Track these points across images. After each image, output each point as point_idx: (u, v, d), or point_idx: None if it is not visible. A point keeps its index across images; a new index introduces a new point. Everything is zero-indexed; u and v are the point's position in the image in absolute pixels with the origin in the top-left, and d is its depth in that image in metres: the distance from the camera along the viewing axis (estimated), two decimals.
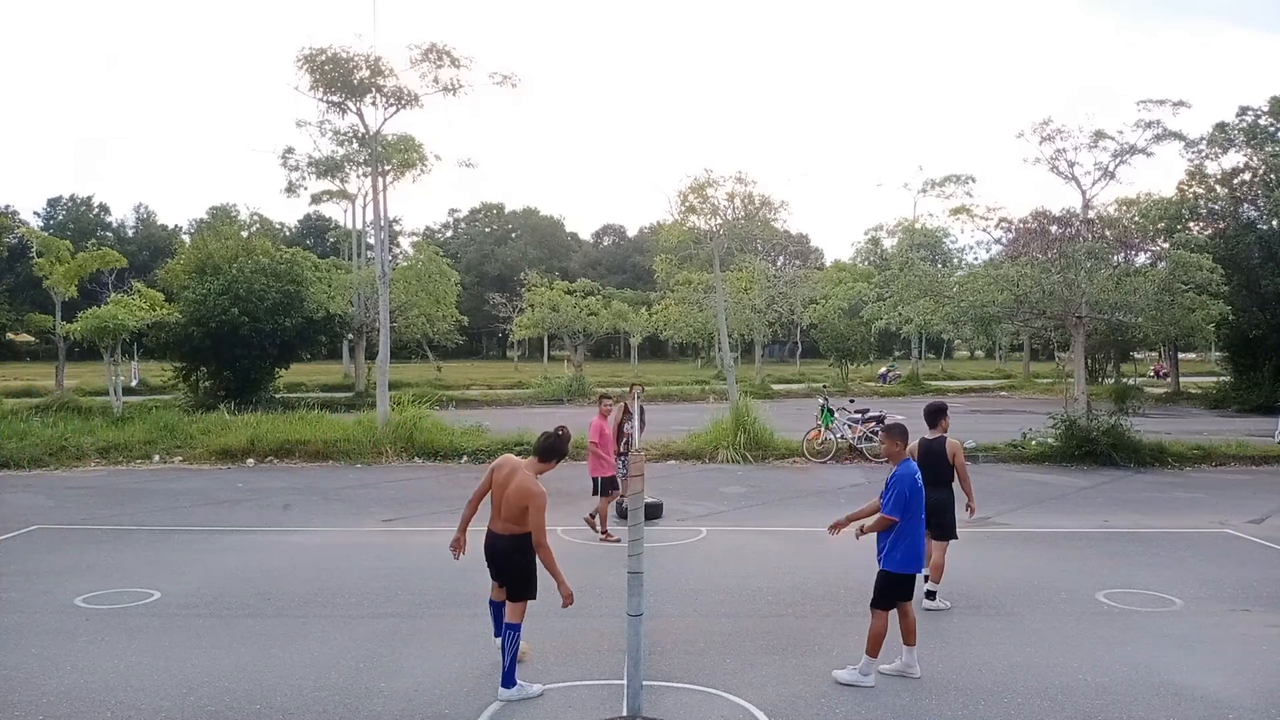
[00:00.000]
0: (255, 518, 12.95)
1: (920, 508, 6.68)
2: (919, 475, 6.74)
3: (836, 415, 18.81)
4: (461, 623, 7.90)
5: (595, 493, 11.70)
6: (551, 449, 6.43)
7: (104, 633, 7.67)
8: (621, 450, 12.91)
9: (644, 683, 5.92)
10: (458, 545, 6.64)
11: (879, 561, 6.78)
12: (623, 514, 10.80)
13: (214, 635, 7.61)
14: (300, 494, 14.82)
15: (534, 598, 6.43)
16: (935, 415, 8.53)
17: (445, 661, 7.00)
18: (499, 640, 6.57)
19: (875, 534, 6.81)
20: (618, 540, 11.23)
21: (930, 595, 8.39)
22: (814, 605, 8.53)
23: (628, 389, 13.97)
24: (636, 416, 10.66)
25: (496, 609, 6.73)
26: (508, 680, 6.27)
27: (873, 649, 6.58)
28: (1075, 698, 6.32)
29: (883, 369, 48.68)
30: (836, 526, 7.05)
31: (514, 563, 6.34)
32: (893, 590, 6.67)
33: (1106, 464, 17.49)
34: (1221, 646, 7.36)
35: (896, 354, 57.76)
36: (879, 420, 19.02)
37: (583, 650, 7.22)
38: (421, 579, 9.35)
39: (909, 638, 6.75)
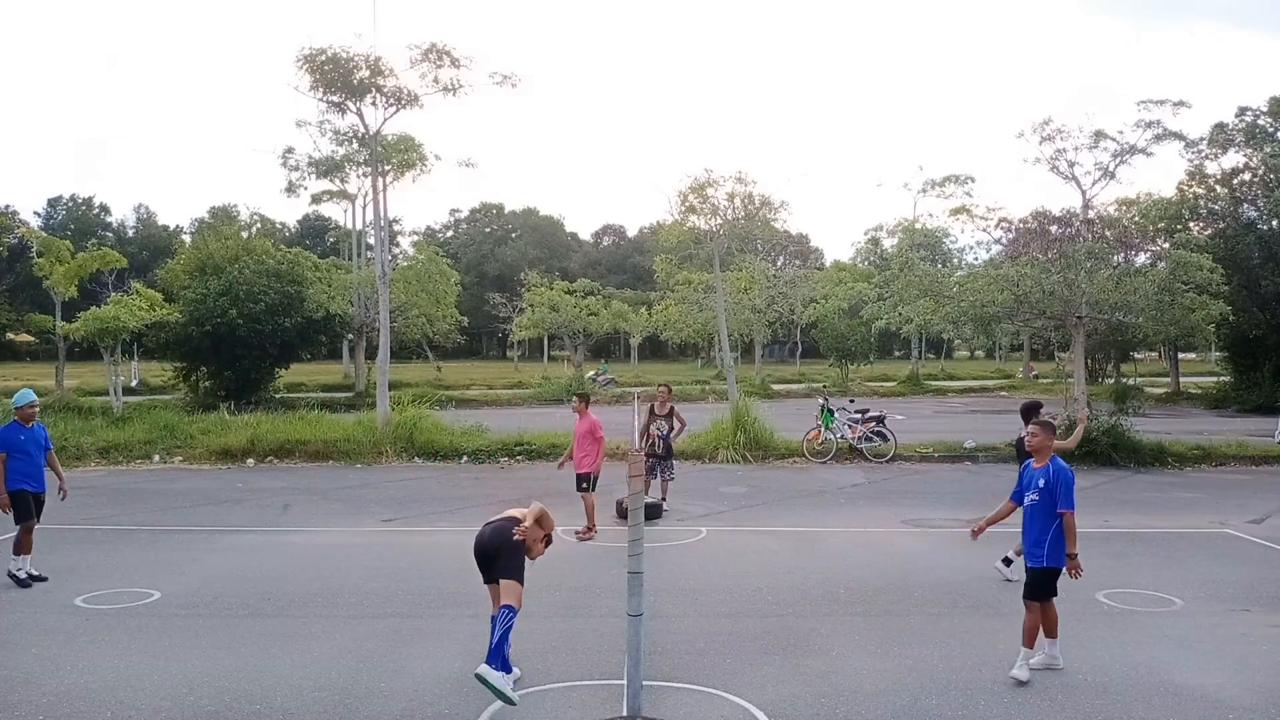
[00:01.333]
0: (255, 518, 12.95)
1: None
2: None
3: (836, 415, 18.80)
4: (461, 623, 7.90)
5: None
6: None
7: (104, 633, 7.68)
8: (660, 452, 13.02)
9: (644, 683, 5.91)
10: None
11: (1027, 559, 6.89)
12: (622, 514, 10.84)
13: (214, 635, 7.61)
14: (300, 494, 14.83)
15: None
16: (1031, 412, 9.02)
17: (445, 661, 7.01)
18: (509, 675, 6.14)
19: (1022, 529, 7.01)
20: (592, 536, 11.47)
21: (1008, 562, 9.37)
22: (814, 605, 8.53)
23: (658, 388, 14.21)
24: (638, 416, 10.65)
25: (492, 621, 6.33)
26: (493, 658, 5.95)
27: (1050, 630, 6.79)
28: (1075, 698, 6.32)
29: (592, 371, 45.52)
30: (977, 532, 7.34)
31: (507, 538, 6.27)
32: (1051, 582, 6.76)
33: (1106, 464, 17.48)
34: (1221, 646, 7.36)
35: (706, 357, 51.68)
36: (879, 420, 19.04)
37: (583, 650, 7.22)
38: (421, 579, 9.36)
39: (1051, 629, 6.84)
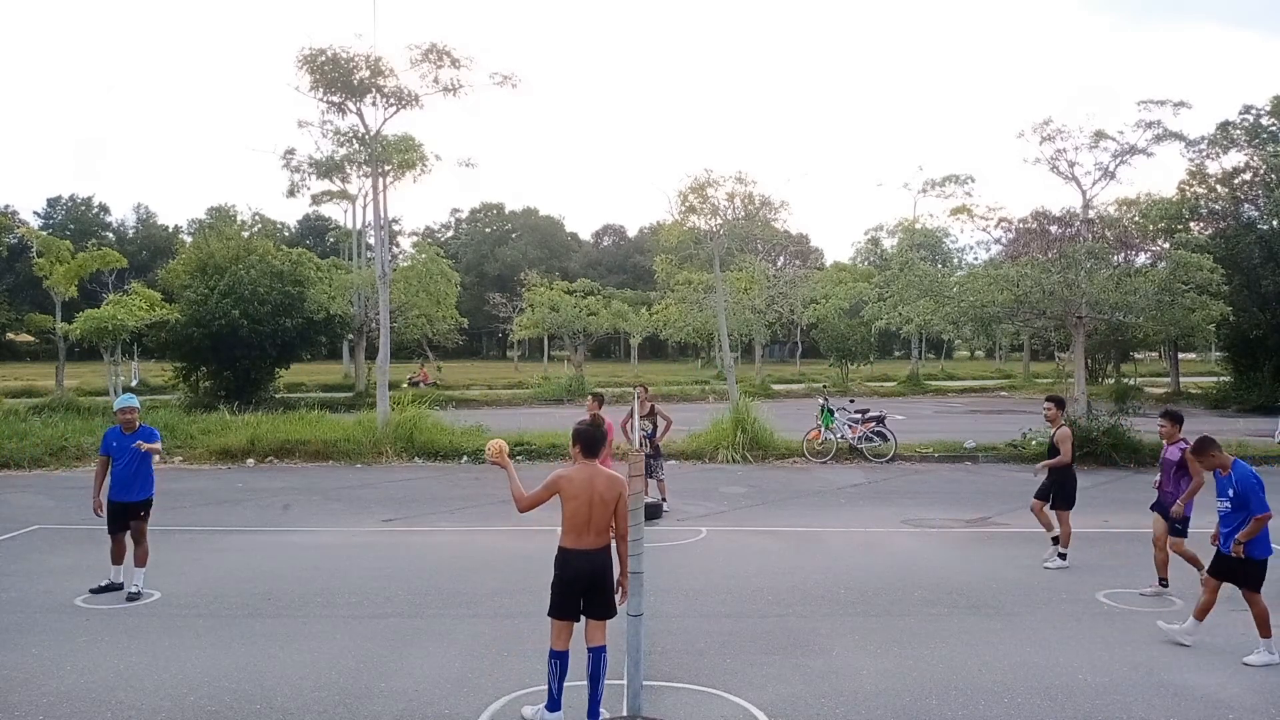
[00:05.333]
0: (255, 518, 12.95)
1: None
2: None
3: (836, 415, 18.79)
4: (462, 623, 7.90)
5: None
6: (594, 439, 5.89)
7: (104, 633, 7.67)
8: (648, 452, 12.99)
9: (644, 683, 5.91)
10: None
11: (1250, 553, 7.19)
12: None
13: (214, 635, 7.61)
14: (300, 494, 14.82)
15: None
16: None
17: (445, 661, 7.00)
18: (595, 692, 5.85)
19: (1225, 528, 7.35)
20: None
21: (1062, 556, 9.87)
22: (814, 605, 8.53)
23: (636, 389, 14.13)
24: (636, 416, 10.63)
25: (564, 663, 5.90)
26: (594, 712, 5.87)
27: (1264, 630, 7.07)
28: (1075, 698, 6.32)
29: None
30: (1239, 546, 7.22)
31: (611, 575, 5.87)
32: (1264, 574, 7.13)
33: (1106, 464, 17.46)
34: (1221, 646, 7.36)
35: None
36: (879, 420, 19.02)
37: (583, 650, 7.20)
38: (421, 579, 9.35)
39: (1265, 629, 7.11)
